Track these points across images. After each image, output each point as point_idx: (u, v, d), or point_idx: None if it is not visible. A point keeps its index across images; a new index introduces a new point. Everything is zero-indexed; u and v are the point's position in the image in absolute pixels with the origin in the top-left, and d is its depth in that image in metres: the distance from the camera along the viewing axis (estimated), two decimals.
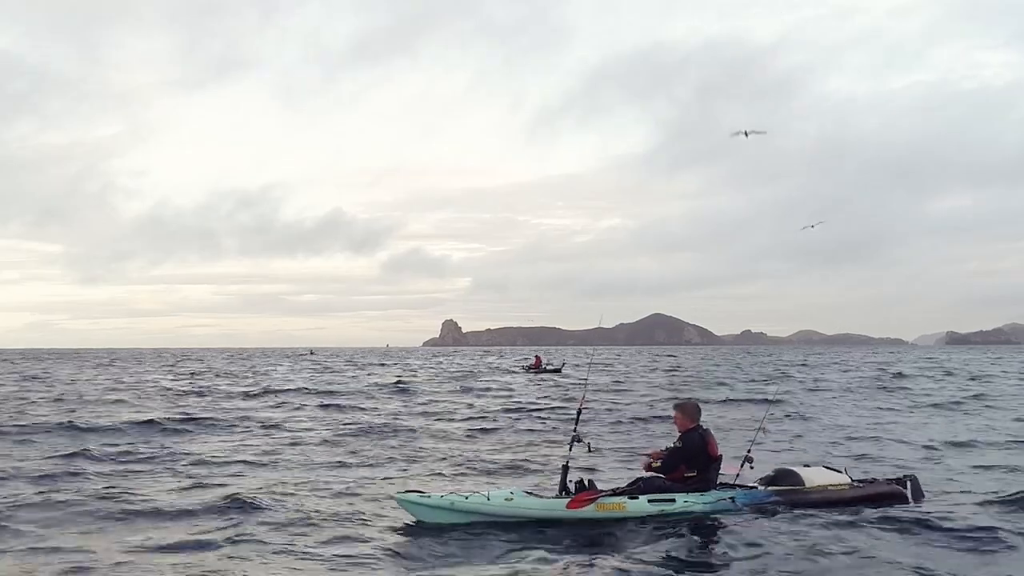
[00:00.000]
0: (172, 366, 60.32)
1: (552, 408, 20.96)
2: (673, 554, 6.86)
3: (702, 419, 8.47)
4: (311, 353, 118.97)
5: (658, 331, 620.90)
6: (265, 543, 7.34)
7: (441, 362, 70.65)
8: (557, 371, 45.27)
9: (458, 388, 30.80)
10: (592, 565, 6.54)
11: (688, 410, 8.44)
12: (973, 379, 35.15)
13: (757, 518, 7.87)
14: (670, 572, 6.38)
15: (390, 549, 7.20)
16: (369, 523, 8.21)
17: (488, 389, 30.13)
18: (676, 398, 17.33)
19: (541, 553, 6.92)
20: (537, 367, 48.16)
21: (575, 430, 8.53)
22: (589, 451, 8.60)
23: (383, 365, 61.21)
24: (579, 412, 8.83)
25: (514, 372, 48.56)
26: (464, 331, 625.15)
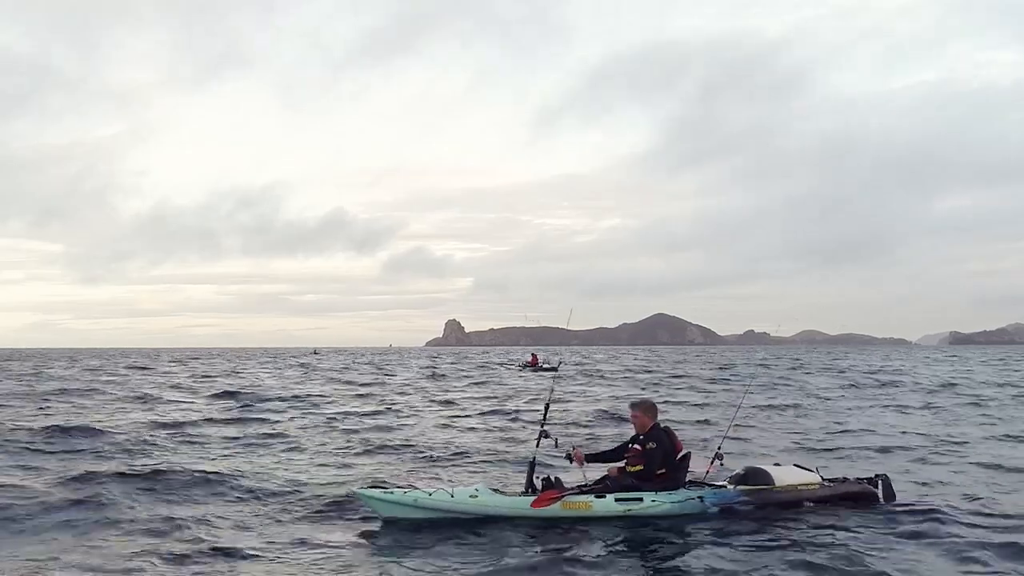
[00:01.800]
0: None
1: (534, 406, 20.79)
2: (639, 554, 6.72)
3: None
4: (315, 353, 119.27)
5: (661, 331, 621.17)
6: (225, 536, 7.21)
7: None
8: (554, 369, 45.21)
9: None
10: (557, 564, 6.40)
11: (648, 408, 8.32)
12: None
13: (726, 518, 7.70)
14: (636, 572, 6.23)
15: (351, 545, 7.07)
16: (329, 517, 8.10)
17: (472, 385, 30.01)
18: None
19: (506, 551, 6.79)
20: (534, 365, 48.18)
21: (543, 426, 8.37)
22: (556, 446, 8.41)
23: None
24: (547, 407, 8.67)
25: (510, 369, 48.55)
26: (467, 331, 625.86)
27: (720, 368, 44.69)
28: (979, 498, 8.66)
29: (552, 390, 8.85)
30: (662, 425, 8.24)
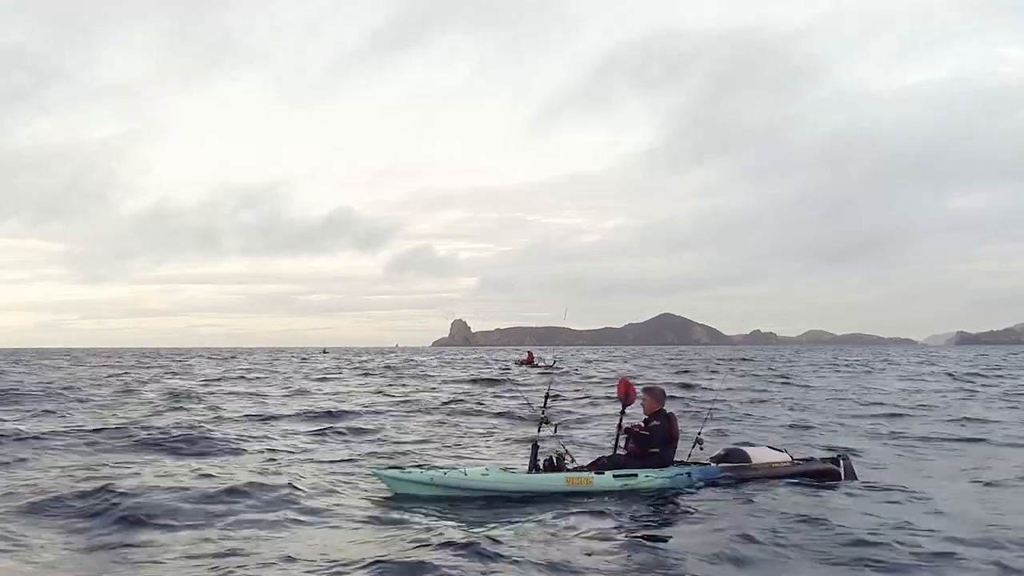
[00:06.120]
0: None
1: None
2: (637, 523, 7.69)
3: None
4: (324, 352, 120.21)
5: (667, 331, 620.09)
6: (249, 517, 7.88)
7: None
8: (549, 367, 46.19)
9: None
10: (561, 534, 7.24)
11: (657, 394, 9.56)
12: None
13: (710, 490, 8.87)
14: (635, 539, 7.07)
15: (372, 519, 7.88)
16: (349, 496, 8.96)
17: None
18: None
19: (513, 522, 7.63)
20: (529, 362, 49.04)
21: (543, 412, 9.36)
22: (555, 433, 9.47)
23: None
24: (547, 395, 9.65)
25: (507, 366, 49.44)
26: (473, 331, 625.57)
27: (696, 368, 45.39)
28: (932, 482, 9.73)
29: (552, 382, 9.93)
30: (668, 411, 9.41)
